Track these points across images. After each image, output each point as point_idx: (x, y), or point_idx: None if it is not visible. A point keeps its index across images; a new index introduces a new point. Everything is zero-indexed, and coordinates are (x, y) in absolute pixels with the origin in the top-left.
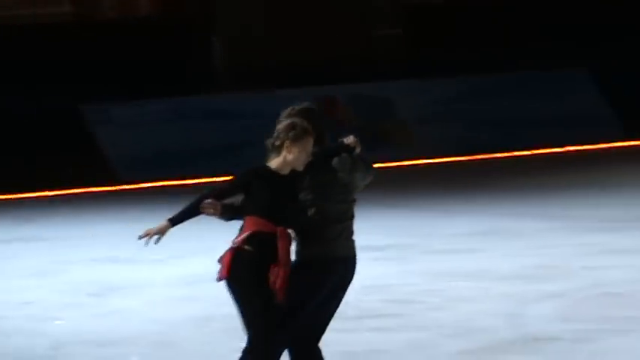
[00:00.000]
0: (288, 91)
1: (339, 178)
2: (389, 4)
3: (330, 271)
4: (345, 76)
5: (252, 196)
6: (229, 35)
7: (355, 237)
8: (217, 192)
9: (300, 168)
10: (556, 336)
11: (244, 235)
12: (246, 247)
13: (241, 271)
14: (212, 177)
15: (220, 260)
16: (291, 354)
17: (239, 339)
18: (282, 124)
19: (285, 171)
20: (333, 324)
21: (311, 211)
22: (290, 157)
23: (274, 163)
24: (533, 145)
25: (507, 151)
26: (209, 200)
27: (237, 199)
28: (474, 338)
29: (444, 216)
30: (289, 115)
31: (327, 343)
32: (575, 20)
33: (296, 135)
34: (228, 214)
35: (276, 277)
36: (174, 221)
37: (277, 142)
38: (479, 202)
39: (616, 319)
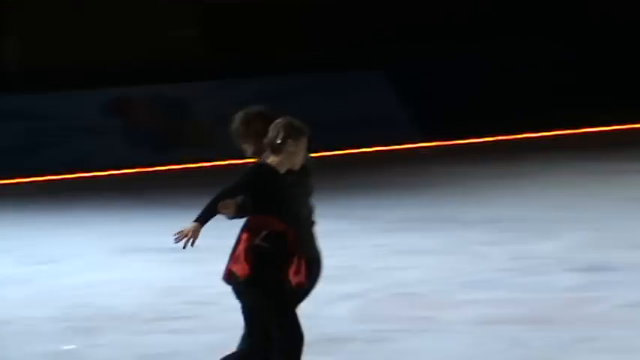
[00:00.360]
0: (84, 93)
1: (308, 181)
2: (186, 4)
3: (310, 272)
4: (142, 77)
5: (261, 194)
6: (23, 35)
7: (152, 238)
8: (231, 191)
9: (297, 167)
10: (352, 336)
11: (263, 234)
12: (265, 245)
13: (264, 270)
14: (7, 179)
15: (236, 260)
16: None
17: (35, 343)
18: (279, 123)
19: (283, 170)
20: (130, 326)
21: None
22: (291, 156)
23: (274, 161)
24: (332, 147)
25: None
26: (227, 200)
27: (239, 197)
28: None
29: (242, 218)
30: (247, 121)
31: (125, 345)
32: (372, 22)
33: (297, 133)
34: (239, 213)
35: (298, 268)
36: (202, 222)
37: (278, 141)
38: None
39: (411, 320)
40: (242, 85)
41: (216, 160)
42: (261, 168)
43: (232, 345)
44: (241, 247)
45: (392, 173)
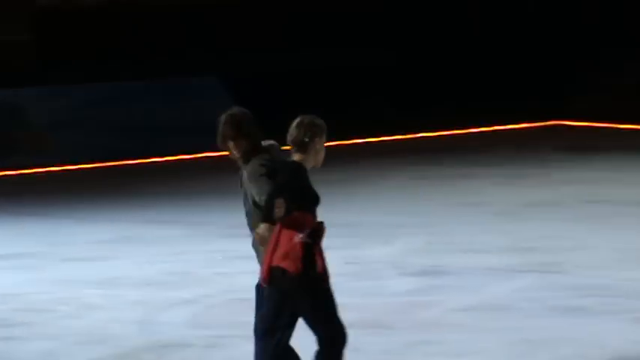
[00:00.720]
0: None
1: None
2: (18, 9)
3: None
4: None
5: (299, 192)
6: None
7: None
8: (280, 190)
9: (320, 164)
10: (188, 342)
11: (308, 231)
12: (310, 241)
13: (313, 266)
14: None
15: (285, 256)
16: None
17: None
18: (304, 121)
19: (309, 168)
20: None
21: None
22: (317, 154)
23: (301, 159)
24: (166, 152)
25: (142, 158)
26: (279, 199)
27: None
28: (106, 346)
29: (78, 223)
30: (239, 123)
31: None
32: (210, 27)
33: (322, 131)
34: (286, 212)
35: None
36: (271, 221)
37: (306, 139)
38: (112, 208)
39: (247, 325)
40: (78, 91)
41: (51, 166)
42: (299, 166)
43: (66, 351)
44: (288, 244)
45: (227, 179)
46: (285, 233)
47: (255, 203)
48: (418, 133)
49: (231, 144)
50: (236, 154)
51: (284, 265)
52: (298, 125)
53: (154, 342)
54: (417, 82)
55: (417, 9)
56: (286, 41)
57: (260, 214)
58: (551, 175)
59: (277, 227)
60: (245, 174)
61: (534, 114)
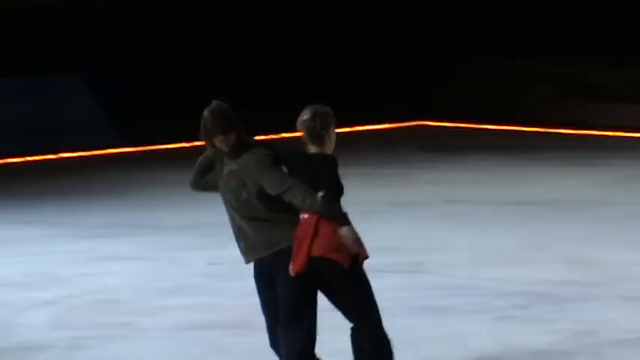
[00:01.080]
0: None
1: None
2: None
3: None
4: None
5: (336, 184)
6: None
7: None
8: (333, 187)
9: (331, 152)
10: (49, 344)
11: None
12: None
13: (353, 256)
14: None
15: (338, 249)
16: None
17: None
18: (315, 112)
19: None
20: None
21: None
22: (332, 142)
23: (322, 150)
24: (26, 152)
25: (1, 158)
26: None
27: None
28: None
29: None
30: (229, 116)
31: None
32: (71, 28)
33: (332, 119)
34: None
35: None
36: (348, 221)
37: (323, 132)
38: None
39: (110, 326)
40: None
41: None
42: (333, 159)
43: None
44: (333, 236)
45: (90, 178)
46: (326, 225)
47: (260, 194)
48: (282, 133)
49: (220, 138)
50: (224, 148)
51: (334, 257)
52: (313, 117)
53: (15, 343)
54: (276, 81)
55: (277, 7)
56: (150, 42)
57: (265, 204)
58: (413, 175)
59: (314, 219)
60: (244, 167)
61: (398, 114)
